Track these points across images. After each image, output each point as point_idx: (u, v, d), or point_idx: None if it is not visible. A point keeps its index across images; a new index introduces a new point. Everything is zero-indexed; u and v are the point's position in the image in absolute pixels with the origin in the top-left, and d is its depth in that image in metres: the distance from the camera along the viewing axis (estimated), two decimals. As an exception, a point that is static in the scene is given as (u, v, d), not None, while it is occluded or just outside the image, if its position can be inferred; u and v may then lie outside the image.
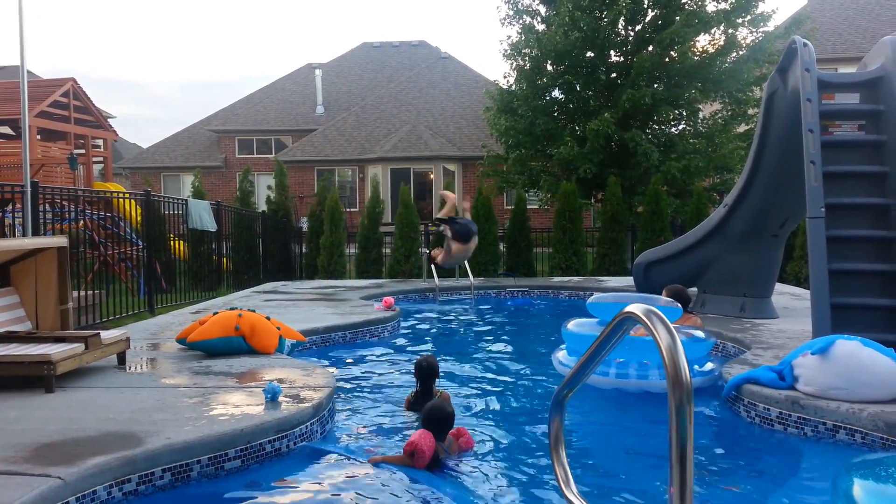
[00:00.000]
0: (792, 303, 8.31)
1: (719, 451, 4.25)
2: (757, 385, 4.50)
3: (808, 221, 5.32)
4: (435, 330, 8.36)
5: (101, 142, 20.39)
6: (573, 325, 5.59)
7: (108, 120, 22.10)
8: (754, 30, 16.75)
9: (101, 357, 4.91)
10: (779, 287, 9.25)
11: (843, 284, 5.23)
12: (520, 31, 17.67)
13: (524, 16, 17.71)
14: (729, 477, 3.76)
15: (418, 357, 4.92)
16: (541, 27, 17.56)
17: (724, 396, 4.76)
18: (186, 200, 11.27)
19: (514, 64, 17.93)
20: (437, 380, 4.77)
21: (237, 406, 3.93)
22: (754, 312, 7.29)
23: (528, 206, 14.94)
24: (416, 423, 4.26)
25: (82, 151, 18.69)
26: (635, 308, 1.86)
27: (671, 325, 1.75)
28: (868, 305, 5.23)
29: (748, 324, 6.93)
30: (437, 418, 3.78)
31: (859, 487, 2.72)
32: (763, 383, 4.48)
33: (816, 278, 5.16)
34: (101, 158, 20.74)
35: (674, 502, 1.63)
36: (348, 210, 22.13)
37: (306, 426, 3.90)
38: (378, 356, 6.67)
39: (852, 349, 4.19)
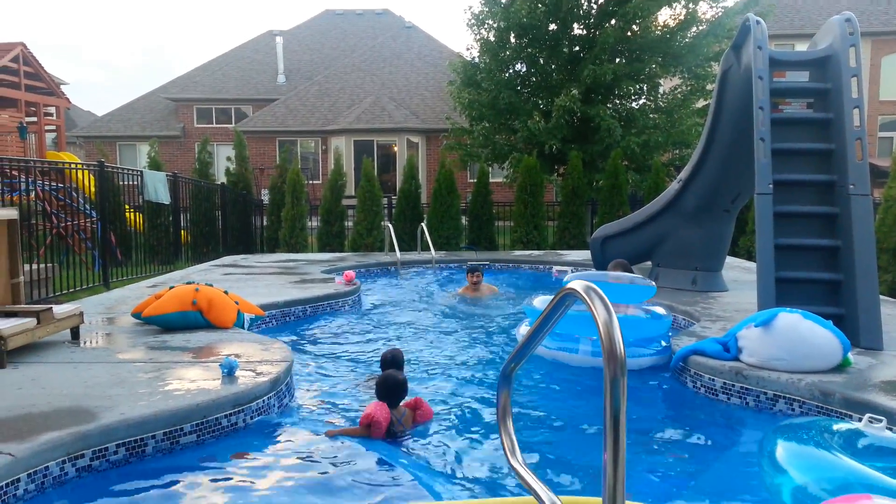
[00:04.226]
0: (742, 276, 8.55)
1: (667, 420, 4.41)
2: (703, 356, 4.68)
3: (756, 197, 5.47)
4: (395, 304, 8.41)
5: (53, 109, 19.75)
6: (538, 301, 5.70)
7: (61, 87, 21.39)
8: (714, 4, 16.92)
9: (54, 332, 4.85)
10: (731, 261, 9.53)
11: (789, 258, 5.41)
12: (483, 1, 17.54)
13: (488, -15, 17.58)
14: (675, 445, 3.92)
15: (386, 349, 4.97)
16: (504, -1, 17.46)
17: (671, 367, 4.93)
18: (142, 171, 11.05)
19: (478, 36, 17.83)
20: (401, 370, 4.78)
21: (193, 381, 3.94)
22: (705, 285, 7.50)
23: (491, 180, 15.00)
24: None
25: (34, 119, 18.09)
26: (576, 284, 1.92)
27: (608, 301, 1.81)
28: (811, 279, 5.41)
29: (699, 296, 7.13)
30: (389, 387, 3.88)
31: (781, 448, 2.89)
32: (709, 354, 4.65)
33: (762, 253, 5.33)
34: (53, 127, 20.09)
35: (607, 467, 1.72)
36: (311, 182, 21.95)
37: (263, 400, 3.93)
38: (338, 330, 6.70)
39: (794, 322, 4.37)
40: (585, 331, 5.18)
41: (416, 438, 3.83)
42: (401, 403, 3.94)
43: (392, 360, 4.68)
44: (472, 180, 18.69)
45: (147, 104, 32.33)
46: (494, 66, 17.34)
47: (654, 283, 5.64)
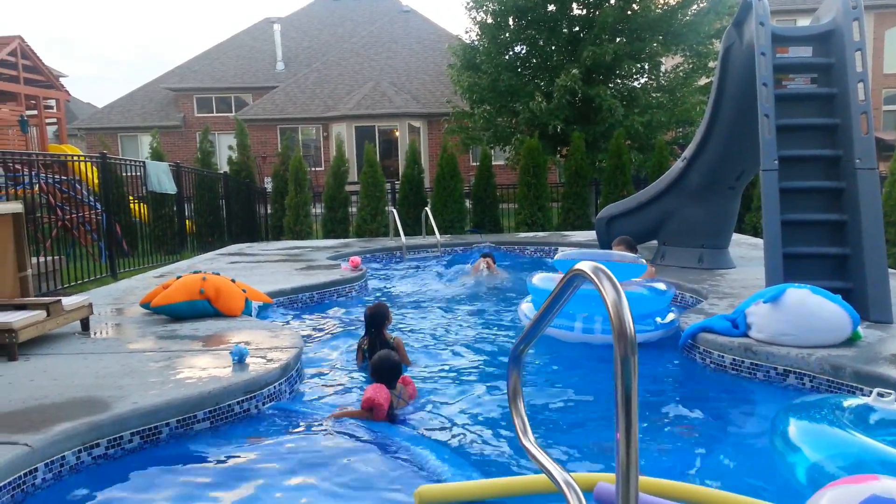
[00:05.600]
0: (749, 252, 8.54)
1: (677, 398, 4.42)
2: (712, 333, 4.68)
3: (761, 174, 5.45)
4: (402, 288, 8.42)
5: (53, 102, 19.72)
6: (538, 279, 5.71)
7: (60, 79, 21.33)
8: (715, -19, 16.77)
9: (64, 324, 4.88)
10: (737, 237, 9.51)
11: (796, 234, 5.39)
12: (481, -17, 17.42)
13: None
14: (686, 421, 3.93)
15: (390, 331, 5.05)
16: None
17: (680, 345, 4.93)
18: (144, 162, 11.04)
19: (476, 18, 17.72)
20: (388, 325, 4.98)
21: (204, 369, 3.96)
22: (712, 263, 7.49)
23: (494, 163, 14.96)
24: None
25: (34, 113, 18.08)
26: (584, 265, 1.92)
27: (616, 281, 1.81)
28: (818, 254, 5.40)
29: (705, 274, 7.13)
30: (384, 368, 3.93)
31: (794, 427, 2.89)
32: (717, 331, 4.65)
33: (769, 229, 5.31)
34: (54, 120, 20.08)
35: (621, 446, 1.73)
36: (313, 169, 21.90)
37: (274, 386, 3.95)
38: (345, 316, 6.72)
39: (802, 297, 4.37)
40: (581, 308, 5.20)
41: (423, 420, 3.85)
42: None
43: (372, 317, 4.88)
44: (474, 163, 18.66)
45: (147, 95, 32.26)
46: (493, 49, 17.24)
47: (643, 259, 5.64)
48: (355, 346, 5.12)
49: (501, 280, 8.40)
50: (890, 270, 5.56)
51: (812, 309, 4.29)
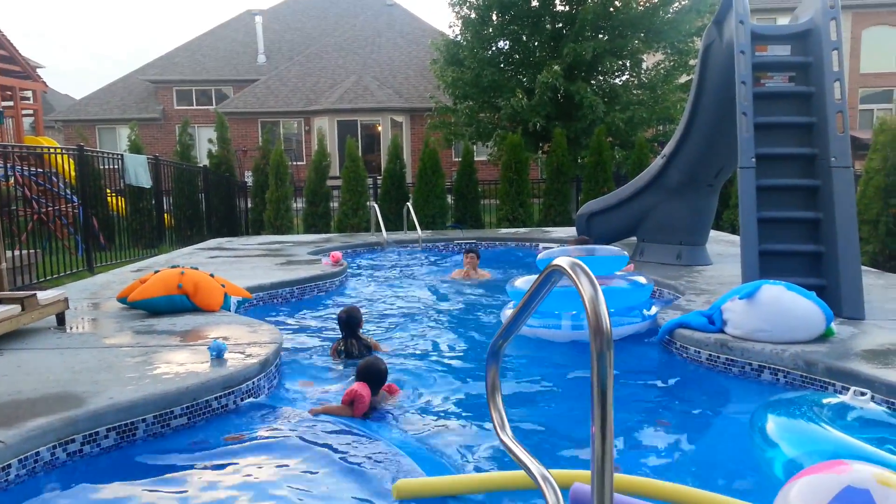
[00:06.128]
0: (726, 249, 8.63)
1: (653, 393, 4.47)
2: (688, 329, 4.73)
3: (739, 171, 5.51)
4: (383, 283, 8.41)
5: (30, 93, 19.39)
6: (520, 282, 5.73)
7: (37, 70, 20.98)
8: (696, -21, 16.86)
9: (39, 318, 4.81)
10: (715, 234, 9.61)
11: (772, 231, 5.46)
12: (465, -22, 17.37)
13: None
14: (662, 416, 3.98)
15: (377, 329, 5.06)
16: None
17: (658, 340, 4.98)
18: (122, 155, 10.92)
19: (460, 13, 17.68)
20: (361, 328, 5.04)
21: (182, 364, 3.94)
22: (689, 259, 7.57)
23: (476, 159, 14.96)
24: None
25: (10, 104, 17.76)
26: (561, 261, 1.94)
27: (593, 277, 1.83)
28: (794, 251, 5.48)
29: (683, 270, 7.20)
30: (370, 373, 3.92)
31: (772, 423, 2.93)
32: (694, 327, 4.71)
33: (746, 226, 5.38)
34: (30, 111, 19.75)
35: (596, 439, 1.75)
36: (294, 163, 21.76)
37: (253, 382, 3.94)
38: (326, 311, 6.70)
39: (777, 294, 4.43)
40: (565, 307, 5.23)
41: (402, 415, 3.86)
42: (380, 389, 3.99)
43: (347, 321, 4.91)
44: (456, 159, 18.64)
45: (126, 86, 31.82)
46: (477, 44, 17.22)
47: (624, 252, 5.72)
48: (333, 340, 5.11)
49: (482, 277, 8.41)
50: (863, 268, 5.66)
51: (787, 305, 4.35)
